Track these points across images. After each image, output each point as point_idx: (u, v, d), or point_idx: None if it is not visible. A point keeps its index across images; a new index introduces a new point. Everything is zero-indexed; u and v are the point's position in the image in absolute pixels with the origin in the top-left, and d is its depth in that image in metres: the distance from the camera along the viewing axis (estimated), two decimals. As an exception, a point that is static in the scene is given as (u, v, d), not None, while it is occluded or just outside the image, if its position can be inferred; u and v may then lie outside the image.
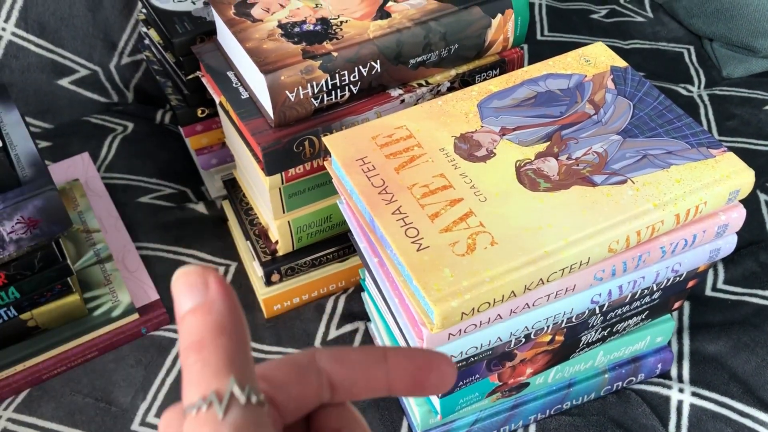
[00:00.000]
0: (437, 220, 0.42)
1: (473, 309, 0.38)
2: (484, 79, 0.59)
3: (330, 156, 0.49)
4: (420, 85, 0.57)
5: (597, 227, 0.41)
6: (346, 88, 0.53)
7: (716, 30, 0.93)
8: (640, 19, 1.00)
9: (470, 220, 0.42)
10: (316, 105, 0.53)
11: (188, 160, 0.83)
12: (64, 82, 0.85)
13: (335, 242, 0.66)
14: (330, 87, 0.52)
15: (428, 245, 0.40)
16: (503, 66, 0.59)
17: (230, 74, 0.58)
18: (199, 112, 0.72)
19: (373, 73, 0.54)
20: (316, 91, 0.52)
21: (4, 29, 0.79)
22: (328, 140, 0.47)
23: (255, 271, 0.67)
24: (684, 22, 0.97)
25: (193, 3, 0.70)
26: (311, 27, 0.54)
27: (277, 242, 0.63)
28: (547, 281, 0.40)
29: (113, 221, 0.74)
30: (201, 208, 0.76)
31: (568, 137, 0.46)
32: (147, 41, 0.79)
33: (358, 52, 0.52)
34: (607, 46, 0.53)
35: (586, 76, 0.50)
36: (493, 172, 0.44)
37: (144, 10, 0.75)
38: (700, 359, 0.60)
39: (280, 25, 0.54)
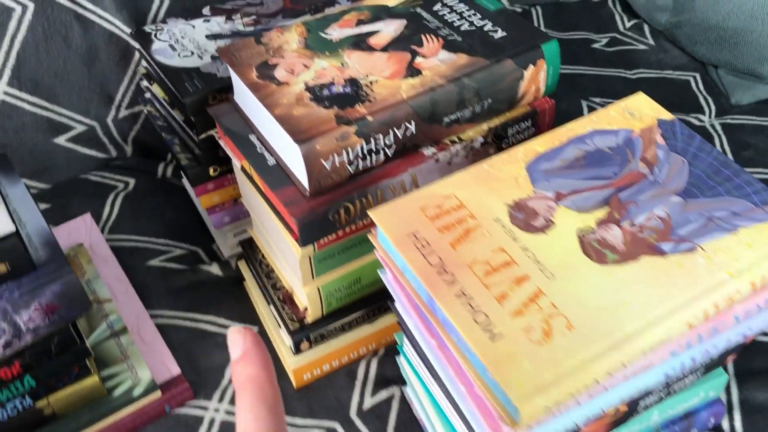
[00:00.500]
0: (506, 302, 0.39)
1: (558, 403, 0.36)
2: (517, 132, 0.57)
3: (375, 228, 0.46)
4: (453, 142, 0.54)
5: (674, 303, 0.38)
6: (381, 151, 0.51)
7: (721, 57, 0.92)
8: (642, 47, 0.99)
9: (541, 301, 0.39)
10: (351, 171, 0.50)
11: (196, 216, 0.79)
12: (61, 140, 0.81)
13: (364, 304, 0.63)
14: (365, 152, 0.50)
15: (501, 333, 0.38)
16: (534, 117, 0.57)
17: (252, 138, 0.55)
18: (212, 170, 0.69)
19: (407, 134, 0.51)
20: (351, 157, 0.49)
21: (-4, 89, 0.75)
22: (374, 215, 0.44)
23: (281, 339, 0.64)
24: (687, 48, 0.97)
25: (200, 58, 0.67)
26: (341, 89, 0.51)
27: (305, 309, 0.60)
28: (629, 364, 0.38)
29: (124, 288, 0.70)
30: (215, 269, 0.73)
31: (627, 201, 0.44)
32: (148, 95, 0.75)
33: (393, 114, 0.49)
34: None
35: (633, 132, 0.48)
36: (556, 244, 0.42)
37: (146, 65, 0.72)
38: (750, 410, 0.58)
39: (308, 88, 0.51)
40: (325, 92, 0.51)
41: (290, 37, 0.56)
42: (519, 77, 0.54)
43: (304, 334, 0.61)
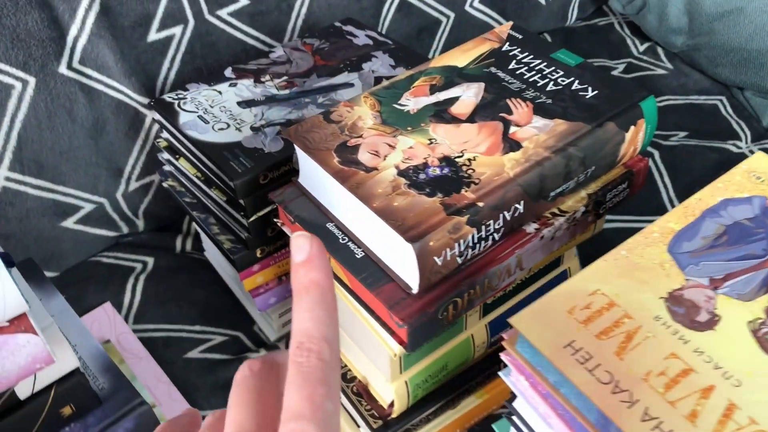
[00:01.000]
0: (699, 421, 0.34)
1: None
2: (614, 196, 0.52)
3: (507, 333, 0.41)
4: (554, 215, 0.49)
5: None
6: (490, 237, 0.45)
7: (746, 78, 0.90)
8: (660, 71, 0.96)
9: (737, 415, 0.34)
10: (460, 262, 0.45)
11: (228, 294, 0.72)
12: (69, 222, 0.73)
13: (449, 389, 0.57)
14: (476, 240, 0.44)
15: (705, 461, 0.33)
16: (631, 178, 0.52)
17: (331, 227, 0.49)
18: (259, 252, 0.62)
19: (516, 215, 0.46)
20: (462, 248, 0.44)
21: (-4, 176, 0.67)
22: (518, 324, 0.39)
23: (358, 436, 0.58)
24: (708, 71, 0.95)
25: (239, 130, 0.60)
26: (438, 171, 0.45)
27: (391, 404, 0.54)
28: None
29: (165, 389, 0.63)
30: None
31: (789, 282, 0.40)
32: (169, 169, 0.68)
33: (503, 197, 0.44)
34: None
35: (767, 199, 0.44)
36: (729, 342, 0.37)
37: (168, 137, 0.65)
38: None
39: (401, 173, 0.45)
40: (422, 176, 0.45)
41: (362, 111, 0.51)
42: (621, 140, 0.49)
43: (389, 431, 0.55)
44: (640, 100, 0.50)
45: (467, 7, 0.93)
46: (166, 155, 0.67)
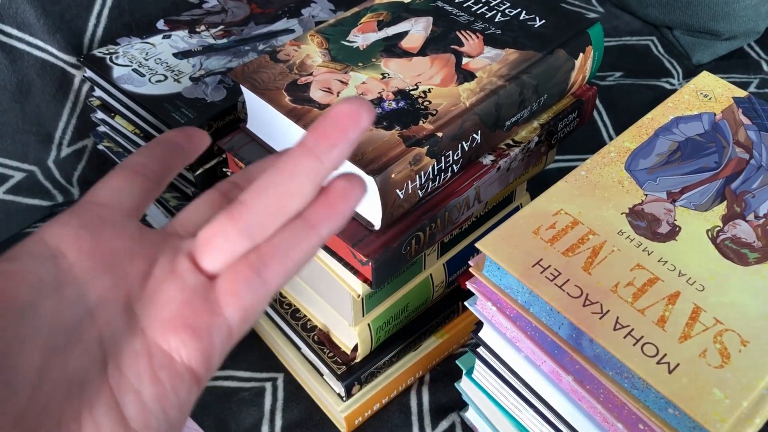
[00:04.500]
0: (667, 326, 0.35)
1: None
2: (565, 125, 0.53)
3: (473, 259, 0.41)
4: (509, 146, 0.49)
5: (841, 297, 0.36)
6: (449, 169, 0.45)
7: (675, 18, 0.92)
8: (592, 15, 0.98)
9: (703, 318, 0.35)
10: (421, 195, 0.44)
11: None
12: (-1, 193, 0.69)
13: (410, 330, 0.57)
14: (436, 172, 0.44)
15: (677, 362, 0.33)
16: (581, 107, 0.53)
17: (285, 170, 0.47)
18: (207, 207, 0.60)
19: (473, 145, 0.46)
20: (423, 181, 0.43)
21: None
22: (484, 247, 0.39)
23: (322, 385, 0.57)
24: (638, 13, 0.96)
25: (177, 81, 0.58)
26: (394, 105, 0.45)
27: (355, 348, 0.53)
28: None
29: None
30: (218, 315, 0.64)
31: (741, 192, 0.41)
32: (104, 129, 0.65)
33: (461, 126, 0.44)
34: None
35: (716, 115, 0.45)
36: (690, 250, 0.38)
37: (101, 95, 0.62)
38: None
39: (357, 108, 0.44)
40: (378, 110, 0.44)
41: (310, 49, 0.49)
42: (571, 67, 0.50)
43: (355, 377, 0.54)
44: (587, 27, 0.50)
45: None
46: (100, 114, 0.64)
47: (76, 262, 0.25)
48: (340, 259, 0.46)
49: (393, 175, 0.41)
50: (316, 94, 0.45)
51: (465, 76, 0.46)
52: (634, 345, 0.34)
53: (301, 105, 0.45)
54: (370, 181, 0.40)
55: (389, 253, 0.43)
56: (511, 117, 0.47)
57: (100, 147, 0.66)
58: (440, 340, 0.60)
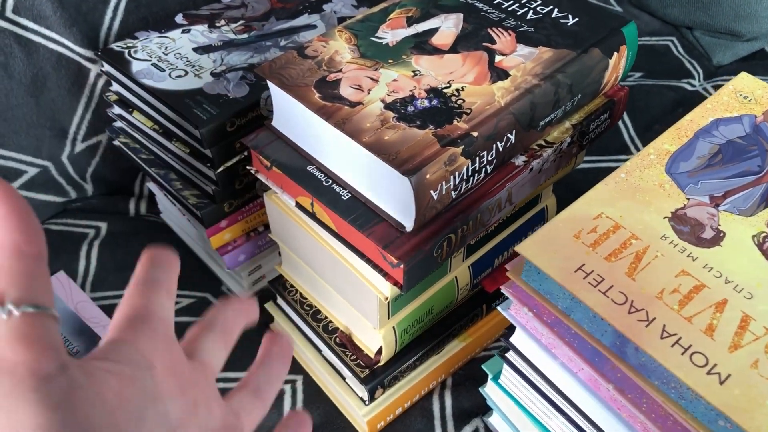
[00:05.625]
0: (716, 334, 0.34)
1: (829, 450, 0.31)
2: (596, 126, 0.51)
3: (512, 263, 0.39)
4: (541, 147, 0.48)
5: None
6: (483, 169, 0.44)
7: (695, 18, 0.91)
8: (610, 14, 0.96)
9: (753, 326, 0.34)
10: (454, 196, 0.43)
11: (191, 255, 0.69)
12: (12, 188, 0.67)
13: (434, 333, 0.56)
14: (470, 173, 0.43)
15: (728, 373, 0.32)
16: (612, 107, 0.52)
17: (312, 170, 0.46)
18: (226, 206, 0.59)
19: (507, 146, 0.44)
20: (457, 181, 0.42)
21: (-72, 139, 0.61)
22: (524, 251, 0.37)
23: (344, 388, 0.56)
24: (657, 12, 0.95)
25: (198, 77, 0.56)
26: (427, 103, 0.43)
27: (379, 351, 0.52)
28: None
29: (134, 357, 0.59)
30: (236, 316, 0.63)
31: (786, 196, 0.40)
32: (120, 125, 0.64)
33: (496, 126, 0.43)
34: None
35: (756, 117, 0.44)
36: (736, 256, 0.37)
37: (119, 90, 0.60)
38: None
39: (389, 106, 0.43)
40: (411, 109, 0.43)
41: (338, 45, 0.48)
42: (605, 67, 0.48)
43: (378, 380, 0.53)
44: (621, 26, 0.49)
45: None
46: (117, 110, 0.63)
47: (162, 378, 0.26)
48: (368, 261, 0.44)
49: (428, 176, 0.40)
50: (346, 91, 0.44)
51: (498, 74, 0.45)
52: (682, 354, 0.33)
53: (331, 102, 0.43)
54: (404, 182, 0.39)
55: (421, 255, 0.42)
56: (545, 117, 0.46)
57: (116, 143, 0.65)
58: (463, 343, 0.59)
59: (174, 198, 0.61)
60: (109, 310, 0.63)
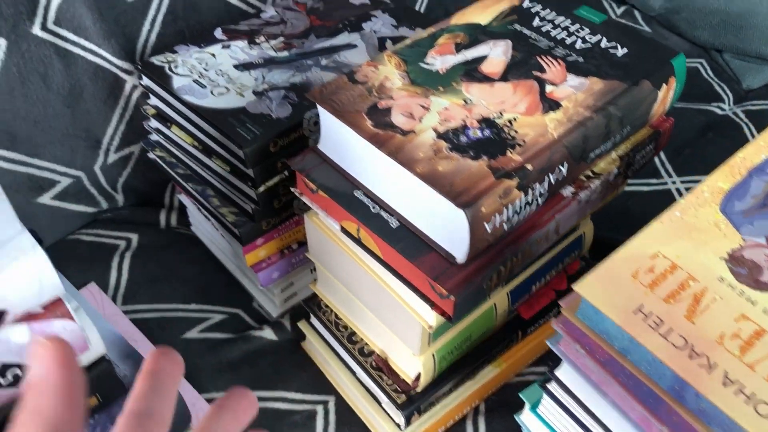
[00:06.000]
0: (779, 383, 0.33)
1: None
2: (642, 158, 0.51)
3: (566, 298, 0.39)
4: (588, 178, 0.48)
5: None
6: (535, 202, 0.44)
7: (725, 41, 0.91)
8: (640, 34, 0.96)
9: (816, 376, 0.34)
10: (506, 229, 0.43)
11: (222, 270, 0.69)
12: (45, 198, 0.67)
13: (471, 359, 0.56)
14: (523, 205, 0.43)
15: (793, 424, 0.32)
16: (658, 138, 0.51)
17: (359, 195, 0.46)
18: (264, 225, 0.59)
19: (559, 178, 0.44)
20: (510, 214, 0.42)
21: (-35, 148, 0.61)
22: (582, 290, 0.37)
23: (377, 411, 0.56)
24: (686, 34, 0.95)
25: (240, 95, 0.56)
26: (479, 133, 0.43)
27: (417, 378, 0.52)
28: None
29: (167, 372, 0.59)
30: (267, 333, 0.63)
31: (843, 239, 0.39)
32: (157, 138, 0.64)
33: (550, 159, 0.42)
34: None
35: (809, 154, 0.44)
36: (795, 301, 0.37)
37: (158, 104, 0.60)
38: None
39: (441, 136, 0.43)
40: (463, 139, 0.43)
41: (388, 71, 0.48)
42: (654, 99, 0.48)
43: (415, 406, 0.53)
44: (671, 58, 0.49)
45: (450, -32, 0.90)
46: (154, 123, 0.62)
47: None
48: (415, 290, 0.44)
49: (483, 209, 0.39)
50: (397, 119, 0.44)
51: (550, 105, 0.45)
52: (746, 403, 0.33)
53: (383, 130, 0.43)
54: (459, 214, 0.39)
55: (472, 287, 0.42)
56: (596, 149, 0.46)
57: (151, 155, 0.65)
58: (497, 369, 0.58)
59: (211, 214, 0.61)
60: (140, 324, 0.63)
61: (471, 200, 0.39)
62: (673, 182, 0.76)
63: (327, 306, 0.59)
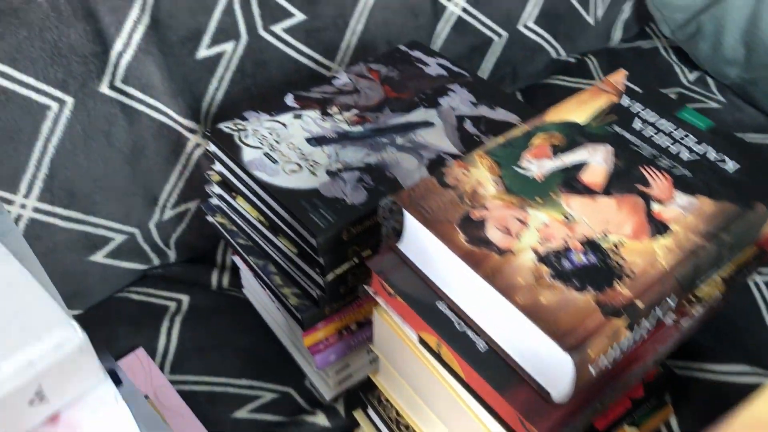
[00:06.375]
0: None
1: None
2: (744, 276, 0.47)
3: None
4: (691, 303, 0.44)
5: None
6: (640, 337, 0.40)
7: (806, 119, 0.87)
8: (713, 104, 0.92)
9: None
10: (610, 367, 0.39)
11: (273, 340, 0.66)
12: (98, 256, 0.65)
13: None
14: (630, 344, 0.39)
15: None
16: (762, 257, 0.48)
17: (442, 307, 0.43)
18: (328, 310, 0.56)
19: (664, 309, 0.41)
20: (617, 354, 0.38)
21: (24, 206, 0.58)
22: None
23: None
24: (764, 107, 0.91)
25: (314, 174, 0.54)
26: (584, 258, 0.40)
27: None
28: None
29: (215, 457, 0.57)
30: (320, 419, 0.60)
31: None
32: (218, 203, 0.61)
33: (660, 293, 0.39)
34: None
35: None
36: None
37: (223, 172, 0.58)
38: None
39: (542, 259, 0.40)
40: (566, 264, 0.39)
41: (480, 174, 0.45)
42: (764, 222, 0.44)
43: None
44: (787, 177, 0.45)
45: (520, 27, 0.87)
46: (217, 189, 0.60)
47: None
48: (500, 421, 0.41)
49: (590, 351, 0.36)
50: (493, 234, 0.41)
51: (658, 227, 0.42)
52: None
53: (478, 247, 0.40)
54: (565, 358, 0.36)
55: (568, 430, 0.39)
56: (703, 276, 0.42)
57: (211, 220, 0.62)
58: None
59: (271, 292, 0.58)
60: (188, 397, 0.60)
61: (578, 343, 0.36)
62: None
63: (387, 400, 0.55)
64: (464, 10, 0.80)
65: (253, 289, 0.68)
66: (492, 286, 0.38)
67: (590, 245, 0.40)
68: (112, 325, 0.65)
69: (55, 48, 0.55)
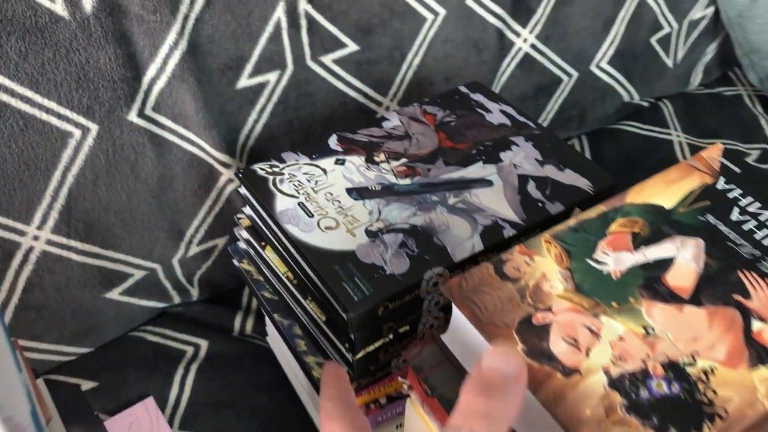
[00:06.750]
0: None
1: None
2: None
3: None
4: None
5: None
6: (726, 488, 0.33)
7: None
8: (800, 166, 0.83)
9: None
10: None
11: (294, 400, 0.60)
12: (114, 293, 0.60)
13: None
14: (714, 500, 0.32)
15: None
16: None
17: (489, 421, 0.36)
18: (355, 385, 0.49)
19: (760, 458, 0.33)
20: None
21: (36, 238, 0.54)
22: None
23: None
24: None
25: (351, 234, 0.47)
26: (665, 388, 0.33)
27: None
28: None
29: None
30: (339, 499, 0.54)
31: None
32: (246, 248, 0.56)
33: (759, 443, 0.32)
34: None
35: None
36: None
37: (253, 216, 0.52)
38: None
39: (614, 383, 0.33)
40: (644, 394, 0.32)
41: (546, 265, 0.38)
42: None
43: None
44: None
45: (593, 67, 0.80)
46: (245, 235, 0.54)
47: None
48: None
49: None
50: (558, 346, 0.34)
51: (758, 352, 0.34)
52: None
53: (539, 363, 0.33)
54: None
55: None
56: (811, 418, 0.35)
57: (237, 264, 0.57)
58: None
59: (295, 357, 0.52)
60: (195, 460, 0.55)
61: (656, 505, 0.29)
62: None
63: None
64: (533, 46, 0.74)
65: (277, 340, 0.62)
66: (553, 416, 0.31)
67: (674, 370, 0.33)
68: (123, 369, 0.60)
69: (82, 71, 0.50)
